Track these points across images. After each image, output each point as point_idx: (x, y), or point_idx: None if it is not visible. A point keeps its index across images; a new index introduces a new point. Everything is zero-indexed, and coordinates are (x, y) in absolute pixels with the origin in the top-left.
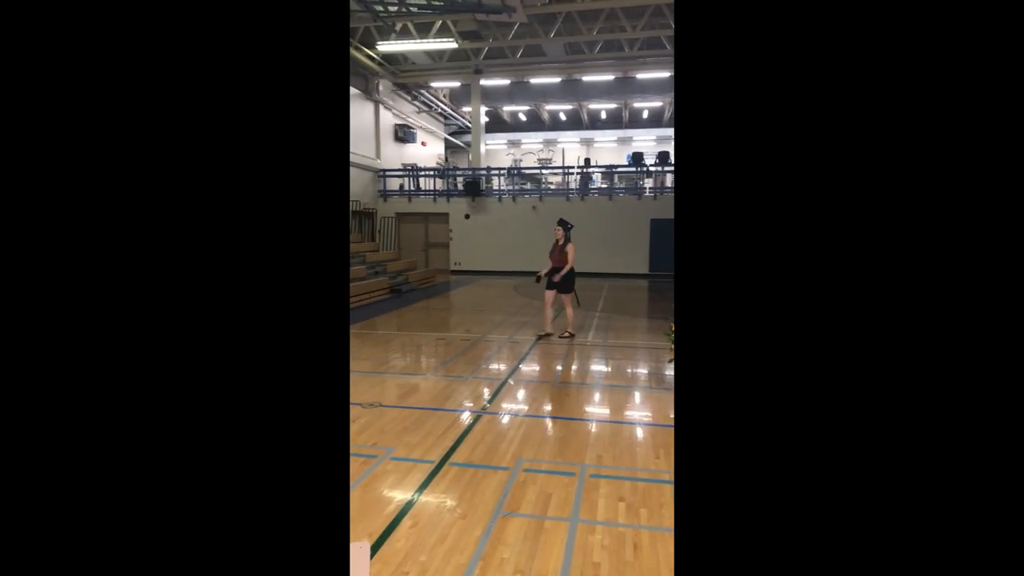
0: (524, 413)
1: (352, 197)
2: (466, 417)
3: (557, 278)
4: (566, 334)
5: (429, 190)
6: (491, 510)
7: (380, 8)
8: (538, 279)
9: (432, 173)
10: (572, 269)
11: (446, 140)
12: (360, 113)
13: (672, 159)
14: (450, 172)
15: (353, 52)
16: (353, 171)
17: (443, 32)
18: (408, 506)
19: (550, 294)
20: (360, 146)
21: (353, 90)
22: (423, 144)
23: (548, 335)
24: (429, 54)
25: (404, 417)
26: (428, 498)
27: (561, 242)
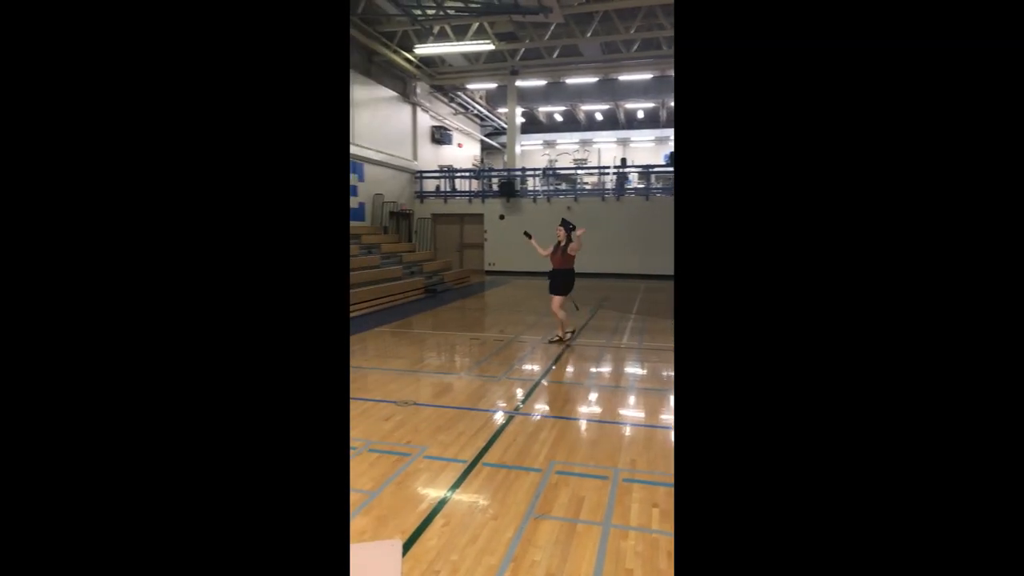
0: (557, 415)
1: (389, 198)
2: (499, 417)
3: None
4: (555, 338)
5: (464, 191)
6: (523, 511)
7: (418, 12)
8: (526, 234)
9: (468, 174)
10: (572, 271)
11: (482, 141)
12: (398, 115)
13: None
14: (485, 173)
15: (391, 55)
16: (390, 172)
17: (480, 34)
18: (440, 504)
19: (557, 299)
20: (397, 148)
21: (391, 92)
22: (459, 146)
23: (561, 340)
24: (466, 56)
25: (438, 416)
26: (460, 497)
27: (563, 243)
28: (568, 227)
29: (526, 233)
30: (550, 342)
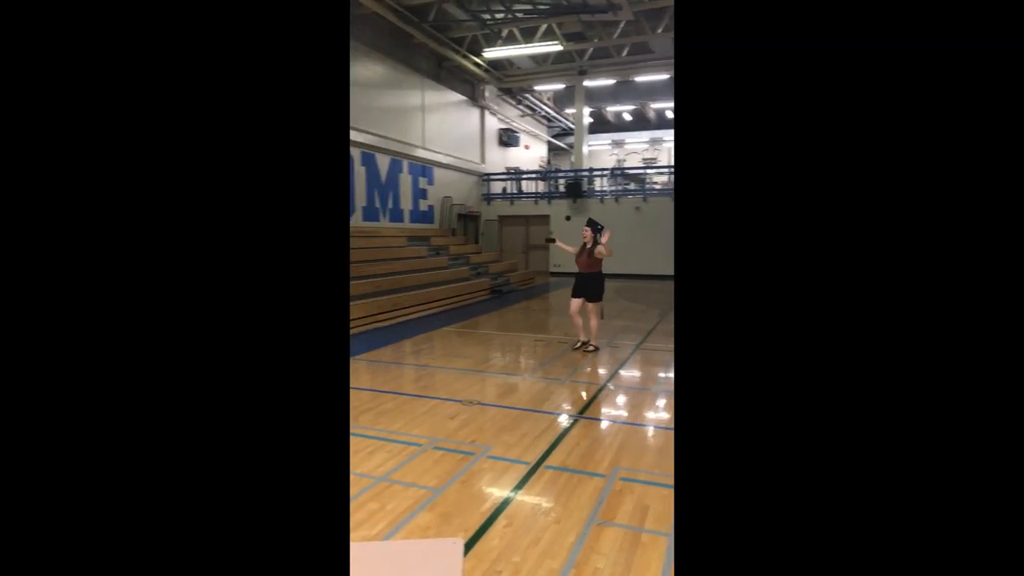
0: (623, 420)
1: (457, 200)
2: (563, 420)
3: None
4: (590, 347)
5: (531, 192)
6: (585, 517)
7: (487, 16)
8: (548, 240)
9: (534, 176)
10: (601, 275)
11: (549, 143)
12: (466, 119)
13: None
14: (552, 174)
15: (460, 60)
16: (458, 175)
17: (548, 35)
18: (504, 505)
19: (576, 303)
20: (466, 151)
21: (460, 97)
22: (526, 147)
23: (585, 344)
24: (534, 58)
25: (502, 416)
26: (523, 499)
27: (589, 244)
28: (595, 227)
29: (549, 239)
30: (574, 349)
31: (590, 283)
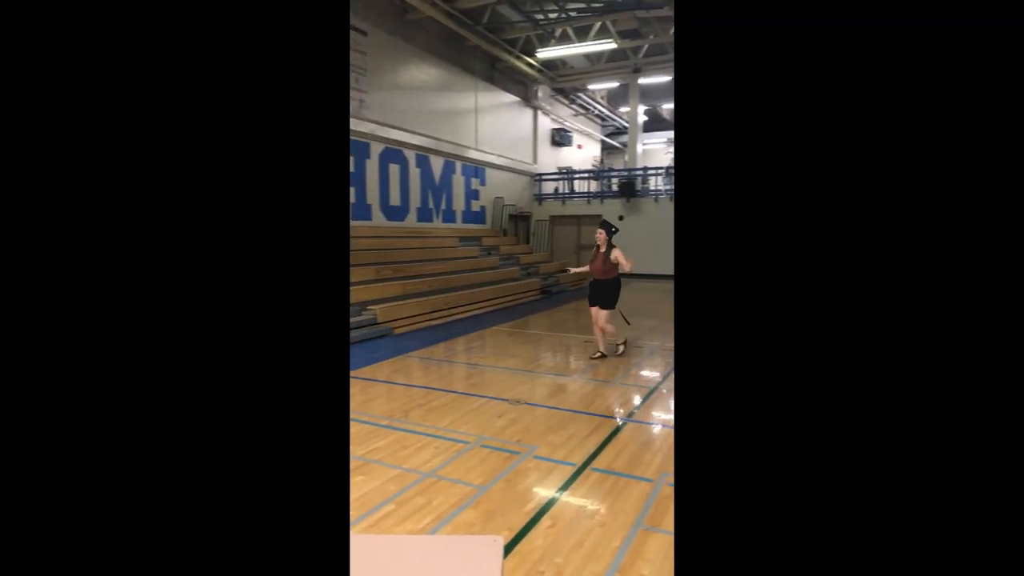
0: (673, 424)
1: (509, 201)
2: (611, 422)
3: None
4: (597, 355)
5: (583, 192)
6: (631, 521)
7: (541, 16)
8: (564, 270)
9: (587, 175)
10: (618, 280)
11: (602, 142)
12: (519, 120)
13: None
14: (605, 173)
15: (513, 61)
16: (510, 176)
17: (602, 33)
18: (548, 505)
19: (595, 312)
20: (518, 152)
21: (512, 97)
22: (579, 147)
23: (603, 356)
24: (587, 56)
25: (549, 416)
26: (568, 500)
27: (603, 248)
28: (609, 229)
29: (564, 269)
30: (591, 358)
31: (604, 289)
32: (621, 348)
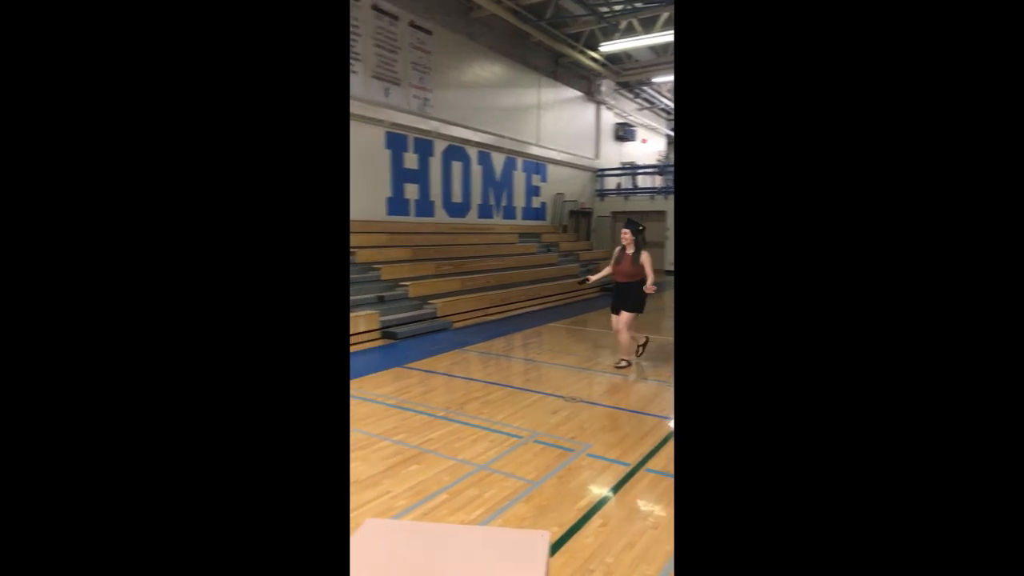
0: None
1: (570, 197)
2: (668, 424)
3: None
4: (623, 363)
5: (647, 188)
6: None
7: (605, 9)
8: (582, 282)
9: (650, 170)
10: (643, 284)
11: (667, 136)
12: (582, 115)
13: None
14: (669, 168)
15: (577, 56)
16: (571, 172)
17: (669, 24)
18: (600, 504)
19: (616, 318)
20: (580, 147)
21: (576, 93)
22: (643, 141)
23: (629, 364)
24: (653, 49)
25: (604, 415)
26: (621, 500)
27: (630, 250)
28: (635, 228)
29: (581, 281)
30: (616, 367)
31: (631, 292)
32: (641, 350)
